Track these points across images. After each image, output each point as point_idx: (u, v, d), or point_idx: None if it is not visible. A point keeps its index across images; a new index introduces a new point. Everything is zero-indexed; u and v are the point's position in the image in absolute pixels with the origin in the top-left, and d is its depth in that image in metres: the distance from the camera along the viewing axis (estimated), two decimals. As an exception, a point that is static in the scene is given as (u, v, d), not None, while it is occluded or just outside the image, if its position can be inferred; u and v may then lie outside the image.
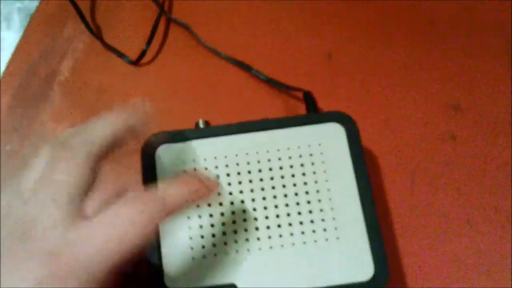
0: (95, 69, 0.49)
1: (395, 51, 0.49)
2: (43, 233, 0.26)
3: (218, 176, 0.37)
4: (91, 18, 0.51)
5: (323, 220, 0.35)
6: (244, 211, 0.36)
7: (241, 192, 0.36)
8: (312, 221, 0.35)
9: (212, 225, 0.35)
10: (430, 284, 0.40)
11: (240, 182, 0.37)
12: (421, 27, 0.50)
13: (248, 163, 0.38)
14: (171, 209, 0.29)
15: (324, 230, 0.35)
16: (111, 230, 0.26)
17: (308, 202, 0.36)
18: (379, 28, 0.50)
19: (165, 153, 0.38)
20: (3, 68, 0.49)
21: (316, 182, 0.37)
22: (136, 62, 0.49)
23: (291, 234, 0.35)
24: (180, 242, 0.35)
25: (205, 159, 0.38)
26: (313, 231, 0.35)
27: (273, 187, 0.37)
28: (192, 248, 0.35)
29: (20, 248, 0.26)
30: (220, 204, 0.36)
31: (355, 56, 0.49)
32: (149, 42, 0.49)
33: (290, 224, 0.35)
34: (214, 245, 0.35)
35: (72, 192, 0.27)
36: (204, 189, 0.31)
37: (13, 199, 0.28)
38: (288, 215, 0.36)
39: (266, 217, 0.36)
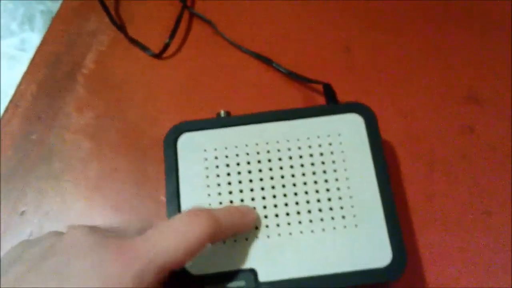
0: (119, 62, 0.50)
1: (413, 43, 0.49)
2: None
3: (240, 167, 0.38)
4: (115, 12, 0.53)
5: (341, 207, 0.36)
6: (264, 198, 0.36)
7: (261, 180, 0.37)
8: (331, 209, 0.36)
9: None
10: (446, 272, 0.40)
11: (260, 170, 0.37)
12: (439, 18, 0.50)
13: (268, 152, 0.38)
14: (224, 229, 0.32)
15: (343, 217, 0.36)
16: (176, 235, 0.29)
17: (327, 190, 0.36)
18: (396, 20, 0.51)
19: (187, 141, 0.39)
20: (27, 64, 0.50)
21: (335, 171, 0.37)
22: (158, 55, 0.50)
23: (310, 221, 0.36)
24: None
25: (226, 148, 0.38)
26: (332, 218, 0.36)
27: (293, 175, 0.37)
28: None
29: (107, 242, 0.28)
30: (241, 191, 0.37)
31: (373, 49, 0.49)
32: (172, 35, 0.50)
33: (309, 211, 0.36)
34: None
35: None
36: (249, 221, 0.35)
37: None
38: (308, 202, 0.36)
39: (286, 204, 0.36)
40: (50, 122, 0.47)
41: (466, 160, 0.44)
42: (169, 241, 0.29)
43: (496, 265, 0.40)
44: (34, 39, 0.52)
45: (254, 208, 0.36)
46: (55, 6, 0.53)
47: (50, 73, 0.49)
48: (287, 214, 0.36)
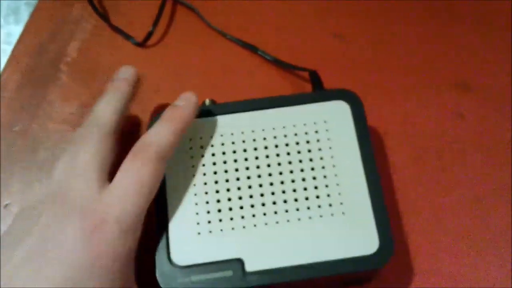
0: (102, 51, 0.49)
1: (403, 29, 0.49)
2: (78, 197, 0.31)
3: (224, 153, 0.37)
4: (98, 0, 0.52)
5: (328, 195, 0.36)
6: (250, 187, 0.36)
7: (247, 168, 0.37)
8: (317, 197, 0.36)
9: (218, 201, 0.36)
10: (436, 260, 0.40)
11: (246, 159, 0.37)
12: (430, 6, 0.50)
13: (254, 140, 0.38)
14: (165, 147, 0.34)
15: (330, 205, 0.35)
16: (127, 185, 0.32)
17: (314, 178, 0.36)
18: (387, 7, 0.50)
19: None
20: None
21: (321, 158, 0.37)
22: (142, 44, 0.49)
23: (297, 209, 0.35)
24: (187, 218, 0.35)
25: (211, 137, 0.38)
26: (319, 206, 0.35)
27: (279, 164, 0.37)
28: (198, 224, 0.35)
29: (61, 211, 0.31)
30: (227, 180, 0.36)
31: (362, 36, 0.49)
32: (155, 23, 0.49)
33: (296, 200, 0.36)
34: (220, 220, 0.35)
35: (96, 164, 0.33)
36: (185, 114, 0.36)
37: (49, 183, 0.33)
38: (294, 190, 0.36)
39: (273, 193, 0.36)
40: (34, 112, 0.46)
41: (456, 146, 0.44)
42: (127, 199, 0.32)
43: (486, 252, 0.40)
44: (19, 32, 0.51)
45: None
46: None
47: (33, 62, 0.49)
48: (274, 203, 0.36)
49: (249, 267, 0.34)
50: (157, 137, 0.34)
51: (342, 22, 0.50)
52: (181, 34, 0.50)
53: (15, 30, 0.51)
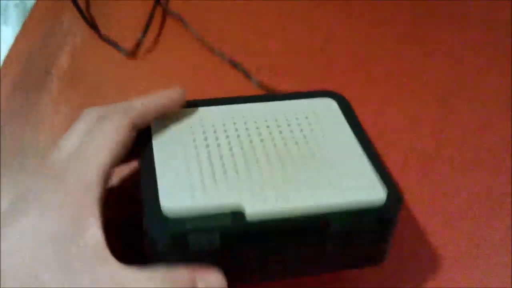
0: (93, 60, 0.51)
1: (387, 42, 0.53)
2: (45, 157, 0.32)
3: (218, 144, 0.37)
4: (88, 9, 0.54)
5: (330, 168, 0.35)
6: (244, 155, 0.35)
7: (241, 148, 0.36)
8: (317, 170, 0.34)
9: (211, 163, 0.34)
10: (431, 260, 0.39)
11: (238, 136, 0.37)
12: (413, 20, 0.54)
13: (247, 129, 0.38)
14: (141, 115, 0.34)
15: (331, 169, 0.34)
16: (97, 142, 0.32)
17: (313, 154, 0.36)
18: (372, 19, 0.54)
19: (160, 124, 0.38)
20: (2, 59, 0.50)
21: (315, 138, 0.37)
22: (132, 53, 0.51)
23: (297, 171, 0.34)
24: (176, 163, 0.34)
25: (202, 126, 0.37)
26: (319, 173, 0.34)
27: (274, 145, 0.36)
28: (188, 169, 0.33)
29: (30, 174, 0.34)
30: (221, 157, 0.35)
31: (347, 47, 0.52)
32: (144, 32, 0.51)
33: (293, 163, 0.35)
34: (214, 174, 0.33)
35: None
36: (170, 94, 0.37)
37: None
38: (292, 157, 0.35)
39: (268, 162, 0.35)
40: (24, 119, 0.46)
41: (444, 151, 0.45)
42: (89, 155, 0.31)
43: (484, 253, 0.40)
44: (8, 33, 0.51)
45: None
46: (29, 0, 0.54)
47: (25, 70, 0.49)
48: (269, 163, 0.34)
49: (249, 215, 0.31)
50: (136, 104, 0.35)
51: (329, 32, 0.53)
52: (170, 44, 0.52)
53: (4, 31, 0.52)
